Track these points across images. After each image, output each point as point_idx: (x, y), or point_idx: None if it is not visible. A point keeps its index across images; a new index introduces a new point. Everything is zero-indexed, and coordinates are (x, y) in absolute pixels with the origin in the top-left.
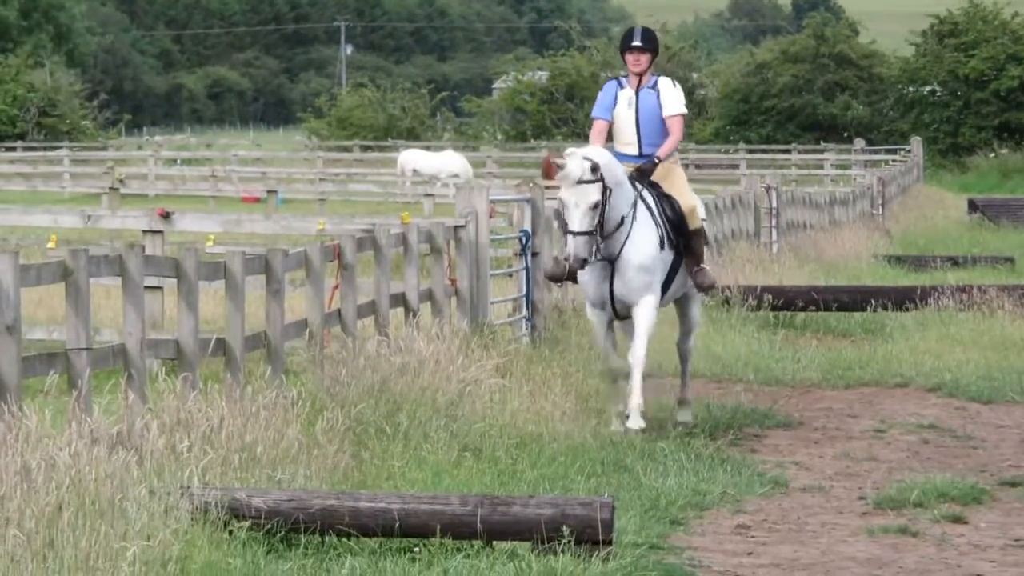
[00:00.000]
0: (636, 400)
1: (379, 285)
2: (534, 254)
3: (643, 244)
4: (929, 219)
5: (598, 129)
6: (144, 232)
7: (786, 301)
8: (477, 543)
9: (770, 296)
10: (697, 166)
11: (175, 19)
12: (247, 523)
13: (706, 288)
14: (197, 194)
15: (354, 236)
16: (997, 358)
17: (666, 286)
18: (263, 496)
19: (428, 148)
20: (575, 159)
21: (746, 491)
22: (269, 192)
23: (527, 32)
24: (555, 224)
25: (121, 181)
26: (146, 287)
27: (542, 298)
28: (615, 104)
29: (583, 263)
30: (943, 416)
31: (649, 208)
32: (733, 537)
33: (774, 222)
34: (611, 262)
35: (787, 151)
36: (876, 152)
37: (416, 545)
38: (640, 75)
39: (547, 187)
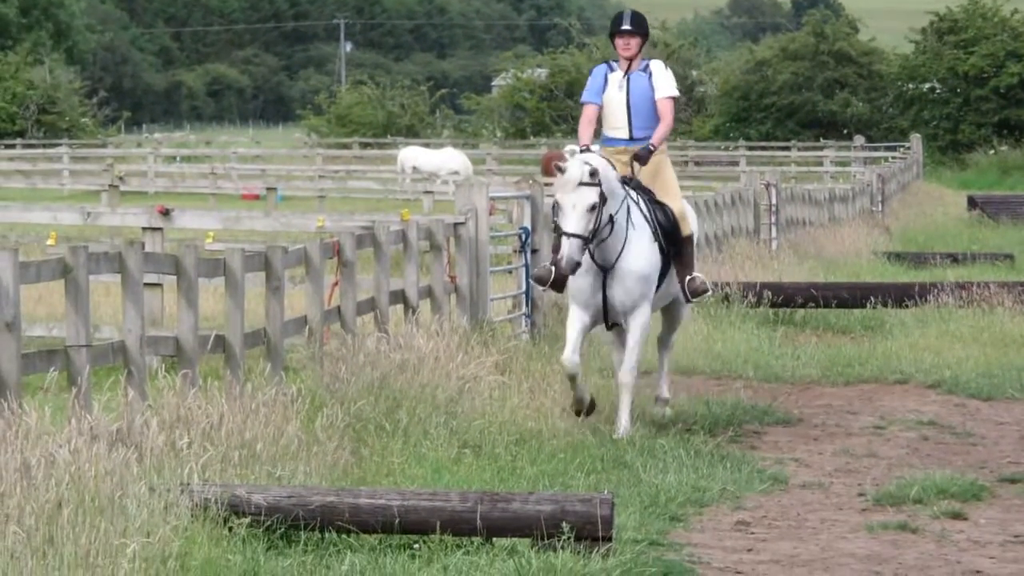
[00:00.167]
0: (624, 421)
1: (379, 282)
2: (534, 251)
3: (643, 253)
4: (929, 216)
5: (588, 115)
6: (144, 229)
7: (786, 298)
8: (477, 540)
9: (770, 293)
10: (697, 163)
11: (174, 16)
12: (247, 520)
13: (700, 295)
14: (196, 191)
15: (354, 233)
16: (997, 355)
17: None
18: (263, 493)
19: (428, 145)
20: (575, 162)
21: (746, 488)
22: (268, 189)
23: (527, 29)
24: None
25: (121, 178)
26: (146, 284)
27: (542, 295)
28: (605, 87)
29: (575, 267)
30: (943, 413)
31: (644, 215)
32: (733, 533)
33: (774, 219)
34: (604, 270)
35: (787, 148)
36: (876, 149)
37: (416, 542)
38: (630, 59)
39: (546, 184)
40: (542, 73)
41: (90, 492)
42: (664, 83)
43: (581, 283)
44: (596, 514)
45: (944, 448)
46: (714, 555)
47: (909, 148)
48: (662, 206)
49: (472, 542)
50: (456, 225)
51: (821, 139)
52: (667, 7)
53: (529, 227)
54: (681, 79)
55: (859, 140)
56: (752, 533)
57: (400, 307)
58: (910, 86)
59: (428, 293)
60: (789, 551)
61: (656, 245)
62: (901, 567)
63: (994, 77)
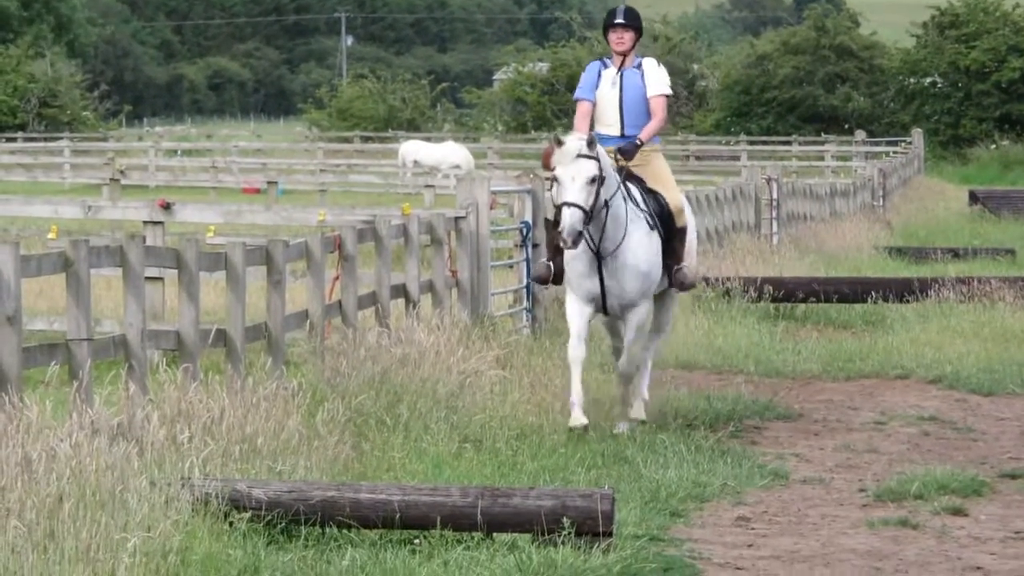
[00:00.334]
0: (630, 402)
1: (380, 276)
2: (535, 245)
3: (642, 246)
4: (930, 211)
5: (582, 111)
6: (145, 223)
7: (787, 293)
8: (477, 535)
9: (771, 288)
10: (698, 157)
11: (176, 10)
12: (248, 514)
13: (687, 287)
14: (198, 185)
15: (355, 227)
16: (998, 350)
17: None
18: (264, 487)
19: (429, 139)
20: (572, 136)
21: (746, 483)
22: (269, 183)
23: (528, 23)
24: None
25: (122, 172)
26: (147, 278)
27: (542, 289)
28: (598, 84)
29: (578, 237)
30: (944, 408)
31: (639, 206)
32: (733, 529)
33: (775, 213)
34: (600, 259)
35: (788, 143)
36: (877, 144)
37: (416, 537)
38: (624, 55)
39: (547, 178)
40: (543, 67)
41: (91, 486)
42: (656, 81)
43: (576, 267)
44: (597, 509)
45: (945, 444)
46: (715, 550)
47: (910, 143)
48: (655, 195)
49: (473, 537)
50: (457, 219)
51: (822, 134)
52: (668, 1)
53: (530, 221)
54: (682, 73)
55: (860, 135)
56: (753, 529)
57: (401, 301)
58: (911, 81)
59: (429, 287)
60: (790, 547)
61: (655, 238)
62: (902, 563)
63: (995, 72)
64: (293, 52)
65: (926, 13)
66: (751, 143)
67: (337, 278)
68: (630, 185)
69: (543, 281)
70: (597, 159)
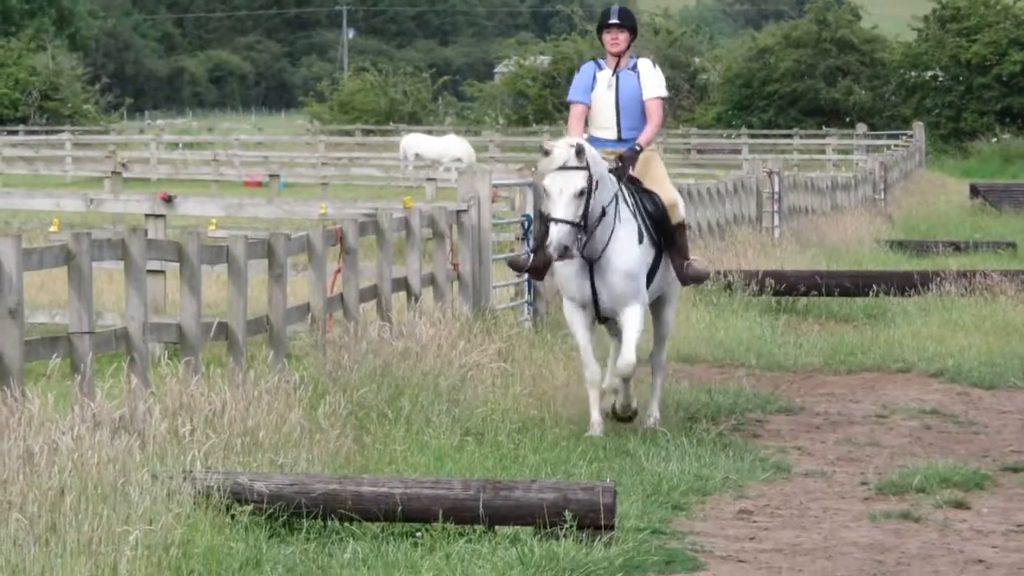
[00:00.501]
0: (623, 402)
1: (381, 269)
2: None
3: (627, 247)
4: (931, 204)
5: (577, 114)
6: (146, 216)
7: (788, 286)
8: (479, 528)
9: (772, 281)
10: (699, 151)
11: (177, 3)
12: (249, 507)
13: (702, 279)
14: (199, 178)
15: (356, 220)
16: (999, 343)
17: (647, 283)
18: (265, 480)
19: (430, 132)
20: (560, 144)
21: (748, 476)
22: (271, 176)
23: (529, 16)
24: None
25: (123, 165)
26: (148, 271)
27: (544, 283)
28: (593, 86)
29: (565, 252)
30: (945, 401)
31: (629, 207)
32: (735, 522)
33: (776, 207)
34: (590, 262)
35: (789, 136)
36: (878, 137)
37: (418, 530)
38: (619, 55)
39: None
40: (544, 60)
41: (93, 479)
42: (652, 83)
43: (567, 271)
44: (599, 502)
45: (947, 437)
46: (717, 543)
47: (911, 136)
48: (650, 194)
49: (475, 530)
50: (459, 212)
51: (823, 127)
52: None
53: (532, 214)
54: (683, 67)
55: (861, 128)
56: (755, 522)
57: (403, 294)
58: (912, 74)
59: (431, 281)
60: (792, 540)
61: (646, 239)
62: (904, 556)
63: (997, 65)
64: (294, 45)
65: (927, 7)
66: (752, 136)
67: (339, 271)
68: (624, 188)
69: (518, 268)
70: (587, 168)
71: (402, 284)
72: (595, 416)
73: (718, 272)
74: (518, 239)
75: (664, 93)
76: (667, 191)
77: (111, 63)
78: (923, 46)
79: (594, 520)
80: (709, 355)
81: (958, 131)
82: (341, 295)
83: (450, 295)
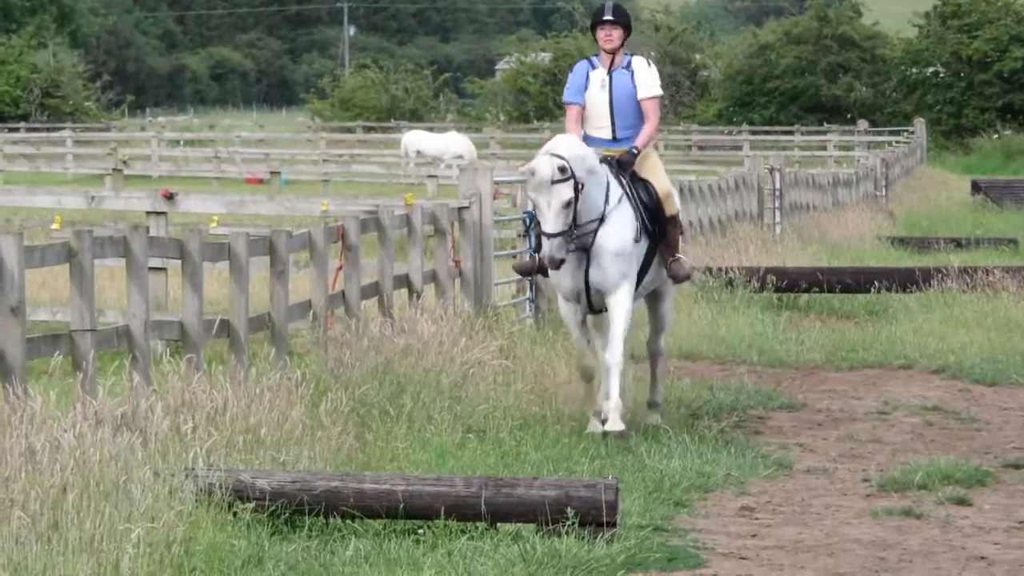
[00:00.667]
0: (614, 403)
1: (383, 266)
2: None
3: (618, 230)
4: (932, 200)
5: (573, 116)
6: (148, 213)
7: (790, 282)
8: (481, 525)
9: (774, 277)
10: (700, 147)
11: (178, 0)
12: (251, 505)
13: (681, 279)
14: (200, 175)
15: (358, 217)
16: (1001, 340)
17: (640, 276)
18: (267, 478)
19: (431, 129)
20: (543, 160)
21: (750, 473)
22: (272, 173)
23: (530, 13)
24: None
25: (124, 162)
26: (150, 268)
27: (546, 279)
28: (587, 86)
29: (559, 264)
30: (947, 398)
31: (623, 193)
32: (737, 519)
33: (777, 203)
34: (585, 250)
35: (790, 132)
36: (879, 133)
37: (420, 527)
38: (613, 53)
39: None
40: (546, 57)
41: (95, 477)
42: (647, 81)
43: (565, 268)
44: (601, 499)
45: (948, 434)
46: (718, 540)
47: (913, 133)
48: (644, 183)
49: (477, 527)
50: (460, 209)
51: (825, 123)
52: None
53: (533, 211)
54: (684, 63)
55: (863, 124)
56: (756, 519)
57: (404, 292)
58: (914, 70)
59: (432, 278)
60: (793, 536)
61: (634, 223)
62: (906, 553)
63: (998, 61)
64: (295, 42)
65: (928, 3)
66: (753, 133)
67: (340, 268)
68: (618, 176)
69: (527, 272)
70: (571, 177)
71: (404, 281)
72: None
73: (720, 268)
74: (519, 236)
75: (659, 92)
76: (662, 181)
77: (112, 60)
78: (924, 42)
79: (596, 517)
80: (711, 352)
81: (959, 127)
82: (343, 292)
83: (452, 292)
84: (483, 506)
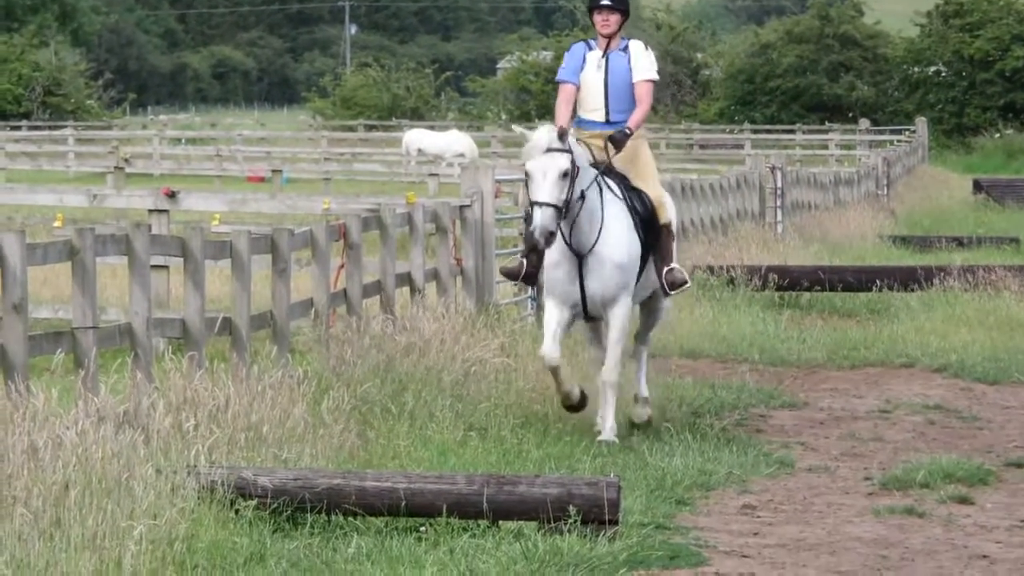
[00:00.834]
0: (610, 422)
1: (385, 264)
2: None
3: (620, 240)
4: (934, 199)
5: (565, 95)
6: (150, 211)
7: (791, 281)
8: (483, 522)
9: (775, 276)
10: (702, 146)
11: None
12: (253, 502)
13: (676, 288)
14: (202, 173)
15: (360, 215)
16: (1003, 339)
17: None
18: (269, 475)
19: (433, 128)
20: (542, 128)
21: (752, 471)
22: (274, 172)
23: (532, 12)
24: (522, 197)
25: (126, 160)
26: (152, 266)
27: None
28: (583, 67)
29: (550, 236)
30: (949, 397)
31: (620, 201)
32: (739, 517)
33: (779, 202)
34: (580, 257)
35: (792, 131)
36: (881, 132)
37: (422, 524)
38: (609, 37)
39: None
40: (547, 56)
41: (97, 474)
42: (643, 65)
43: (557, 274)
44: (603, 497)
45: (950, 432)
46: (720, 539)
47: (914, 131)
48: (638, 192)
49: (478, 525)
50: (462, 208)
51: (826, 122)
52: None
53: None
54: (686, 62)
55: (864, 123)
56: (758, 517)
57: (406, 290)
58: (915, 69)
59: (434, 276)
60: (795, 535)
61: (635, 232)
62: (908, 551)
63: (1000, 60)
64: (297, 41)
65: (930, 2)
66: (755, 132)
67: (342, 266)
68: (610, 181)
69: (513, 276)
70: (569, 151)
71: (405, 279)
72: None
73: (721, 267)
74: (521, 234)
75: (655, 76)
76: (655, 189)
77: (114, 59)
78: (926, 41)
79: (598, 515)
80: (712, 350)
81: (961, 127)
82: (344, 290)
83: (453, 290)
84: (485, 504)
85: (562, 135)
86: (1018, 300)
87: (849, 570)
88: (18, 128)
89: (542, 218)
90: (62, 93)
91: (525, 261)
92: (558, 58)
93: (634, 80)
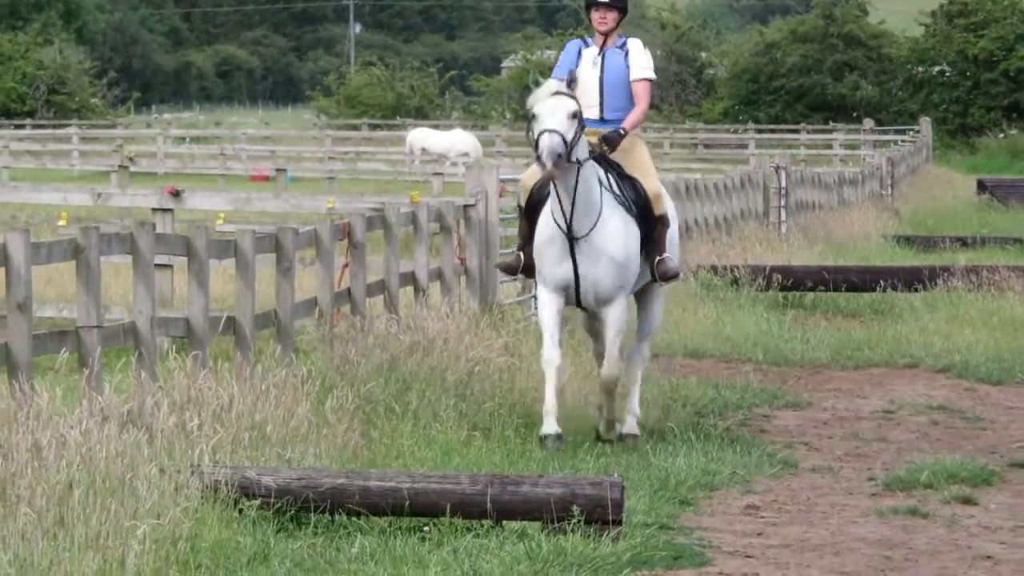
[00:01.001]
0: (609, 417)
1: (389, 264)
2: None
3: (619, 234)
4: (938, 199)
5: None
6: (154, 210)
7: (795, 281)
8: (487, 522)
9: (779, 276)
10: (706, 146)
11: None
12: (257, 502)
13: (669, 278)
14: (206, 172)
15: (364, 215)
16: (1007, 339)
17: None
18: (273, 475)
19: (437, 127)
20: (549, 80)
21: (755, 471)
22: (278, 171)
23: (536, 11)
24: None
25: (130, 159)
26: (156, 265)
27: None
28: (578, 64)
29: (557, 159)
30: (952, 397)
31: (615, 191)
32: (743, 517)
33: (783, 202)
34: (572, 241)
35: (796, 131)
36: (885, 132)
37: (426, 524)
38: (606, 35)
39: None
40: (551, 55)
41: (101, 473)
42: (640, 63)
43: (549, 252)
44: (606, 497)
45: (954, 433)
46: (724, 539)
47: (918, 131)
48: (632, 181)
49: (482, 525)
50: (466, 207)
51: (830, 122)
52: None
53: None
54: (690, 61)
55: (868, 123)
56: (762, 517)
57: (410, 289)
58: (920, 69)
59: (438, 275)
60: (799, 535)
61: (633, 227)
62: (911, 552)
63: (1004, 60)
64: (301, 39)
65: (934, 2)
66: (759, 131)
67: (346, 266)
68: (606, 170)
69: (511, 271)
70: (575, 98)
71: (409, 279)
72: (548, 404)
73: (725, 267)
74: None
75: (652, 75)
76: (651, 182)
77: (118, 57)
78: (930, 41)
79: (601, 515)
80: (716, 350)
81: (965, 126)
82: (348, 289)
83: (457, 290)
84: (489, 504)
85: (571, 83)
86: (1022, 300)
87: (853, 571)
88: (22, 126)
89: (549, 141)
90: (66, 91)
91: (522, 255)
92: None
93: (632, 79)
